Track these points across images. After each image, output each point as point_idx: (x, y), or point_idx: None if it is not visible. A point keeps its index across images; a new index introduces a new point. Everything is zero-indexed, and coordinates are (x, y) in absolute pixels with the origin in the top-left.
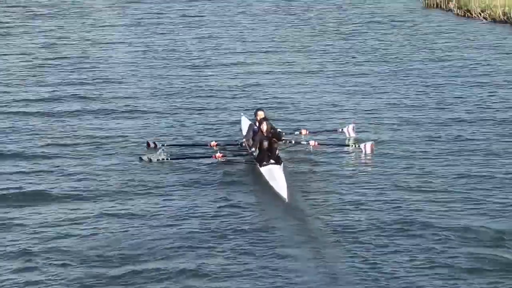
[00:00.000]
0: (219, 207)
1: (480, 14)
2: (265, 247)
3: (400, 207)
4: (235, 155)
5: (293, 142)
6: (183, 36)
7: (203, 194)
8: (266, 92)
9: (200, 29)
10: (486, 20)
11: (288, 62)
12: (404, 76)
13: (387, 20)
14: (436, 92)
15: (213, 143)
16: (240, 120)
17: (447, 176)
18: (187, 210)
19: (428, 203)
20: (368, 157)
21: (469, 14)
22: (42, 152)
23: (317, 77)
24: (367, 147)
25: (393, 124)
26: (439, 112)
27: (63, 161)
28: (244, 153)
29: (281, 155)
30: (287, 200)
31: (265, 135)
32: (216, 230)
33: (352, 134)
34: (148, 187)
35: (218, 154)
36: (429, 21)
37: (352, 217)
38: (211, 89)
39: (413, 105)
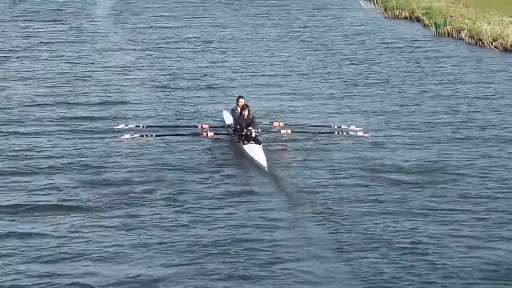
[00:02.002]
0: (211, 178)
1: (492, 43)
2: (249, 208)
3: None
4: (222, 135)
5: (267, 127)
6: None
7: (196, 168)
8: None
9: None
10: (498, 49)
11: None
12: (414, 102)
13: (399, 47)
14: (449, 117)
15: (204, 125)
16: (222, 114)
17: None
18: (182, 182)
19: (392, 184)
20: (347, 140)
21: (480, 43)
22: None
23: (324, 99)
24: (358, 131)
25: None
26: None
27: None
28: (230, 134)
29: (260, 138)
30: (266, 169)
31: (245, 119)
32: (209, 196)
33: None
34: (146, 164)
35: (209, 133)
36: (441, 49)
37: (320, 181)
38: (198, 83)
39: (423, 126)
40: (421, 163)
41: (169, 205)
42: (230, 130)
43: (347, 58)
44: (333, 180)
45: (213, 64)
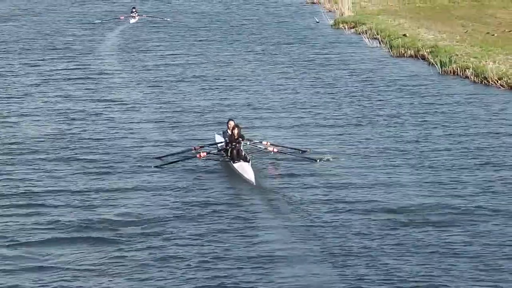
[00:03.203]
0: (205, 193)
1: (497, 82)
2: (237, 217)
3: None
4: (214, 155)
5: (256, 145)
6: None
7: (190, 185)
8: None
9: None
10: (503, 87)
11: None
12: (418, 140)
13: (404, 85)
14: (455, 156)
15: (196, 146)
16: (214, 137)
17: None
18: (179, 196)
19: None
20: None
21: (486, 82)
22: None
23: (323, 134)
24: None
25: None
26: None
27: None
28: (221, 153)
29: (248, 156)
30: (254, 184)
31: (236, 138)
32: (201, 206)
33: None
34: (146, 187)
35: (202, 153)
36: (446, 87)
37: (305, 193)
38: (190, 108)
39: (427, 165)
40: (427, 204)
41: (165, 219)
42: (222, 151)
43: (351, 95)
44: (315, 194)
45: (219, 102)
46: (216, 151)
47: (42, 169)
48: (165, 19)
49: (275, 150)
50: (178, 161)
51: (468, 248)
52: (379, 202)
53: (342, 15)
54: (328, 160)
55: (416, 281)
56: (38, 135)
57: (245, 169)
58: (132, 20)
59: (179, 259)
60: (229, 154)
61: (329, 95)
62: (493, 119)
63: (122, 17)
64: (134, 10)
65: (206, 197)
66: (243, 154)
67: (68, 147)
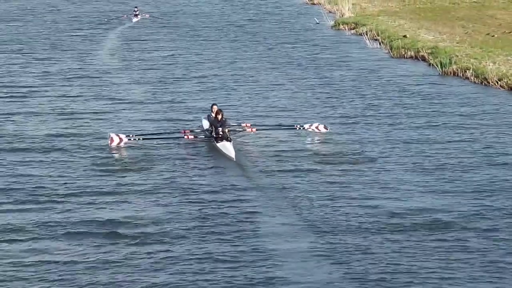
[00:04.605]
0: (191, 170)
1: (497, 83)
2: (220, 187)
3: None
4: (200, 136)
5: (237, 127)
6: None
7: (179, 162)
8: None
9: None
10: (503, 88)
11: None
12: (417, 141)
13: (404, 86)
14: (457, 158)
15: (185, 130)
16: (201, 121)
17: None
18: (167, 175)
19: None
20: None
21: (486, 83)
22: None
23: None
24: (320, 127)
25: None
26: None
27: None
28: (206, 134)
29: (230, 137)
30: (234, 160)
31: (219, 120)
32: (188, 179)
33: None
34: (129, 165)
35: (189, 136)
36: (446, 88)
37: (278, 166)
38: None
39: (428, 167)
40: (427, 205)
41: (157, 192)
42: (207, 133)
43: (351, 96)
44: (290, 165)
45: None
46: (202, 133)
47: (38, 166)
48: (165, 18)
49: (254, 130)
50: (168, 138)
51: (473, 248)
52: (379, 202)
53: (342, 16)
54: (302, 127)
55: (415, 281)
56: (39, 133)
57: (227, 147)
58: (134, 19)
59: (165, 225)
60: (213, 135)
61: (329, 96)
62: (494, 119)
63: (125, 16)
64: (136, 9)
65: (193, 172)
66: (225, 135)
67: (67, 144)
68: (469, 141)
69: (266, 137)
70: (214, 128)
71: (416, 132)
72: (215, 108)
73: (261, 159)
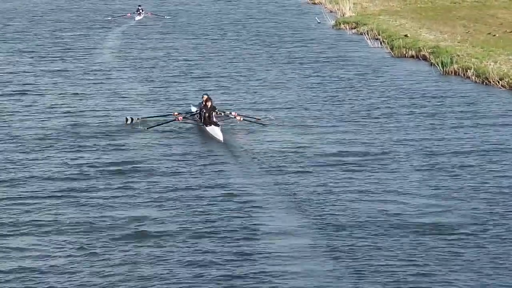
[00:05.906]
0: (182, 151)
1: (499, 82)
2: (208, 164)
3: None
4: (190, 119)
5: (223, 114)
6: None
7: (171, 143)
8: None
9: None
10: (505, 88)
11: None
12: (418, 141)
13: (404, 85)
14: (457, 157)
15: (176, 113)
16: (190, 108)
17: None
18: (161, 153)
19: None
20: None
21: (487, 82)
22: None
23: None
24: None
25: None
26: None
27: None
28: (196, 119)
29: (219, 122)
30: (222, 141)
31: (209, 108)
32: (179, 158)
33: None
34: (131, 147)
35: (179, 117)
36: (447, 87)
37: (261, 146)
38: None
39: (431, 167)
40: (426, 205)
41: (149, 173)
42: (196, 117)
43: (352, 95)
44: (273, 146)
45: (219, 101)
46: (192, 117)
47: (37, 166)
48: (166, 16)
49: (240, 118)
50: (163, 123)
51: (473, 252)
52: (380, 201)
53: (343, 15)
54: (270, 119)
55: (418, 281)
56: (39, 132)
57: (215, 131)
58: (138, 17)
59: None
60: (202, 120)
61: (330, 96)
62: (495, 119)
63: (129, 14)
64: (140, 8)
65: (183, 152)
66: (214, 120)
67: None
68: (469, 140)
69: (253, 125)
70: (203, 113)
71: (417, 132)
72: (205, 97)
73: (248, 141)
